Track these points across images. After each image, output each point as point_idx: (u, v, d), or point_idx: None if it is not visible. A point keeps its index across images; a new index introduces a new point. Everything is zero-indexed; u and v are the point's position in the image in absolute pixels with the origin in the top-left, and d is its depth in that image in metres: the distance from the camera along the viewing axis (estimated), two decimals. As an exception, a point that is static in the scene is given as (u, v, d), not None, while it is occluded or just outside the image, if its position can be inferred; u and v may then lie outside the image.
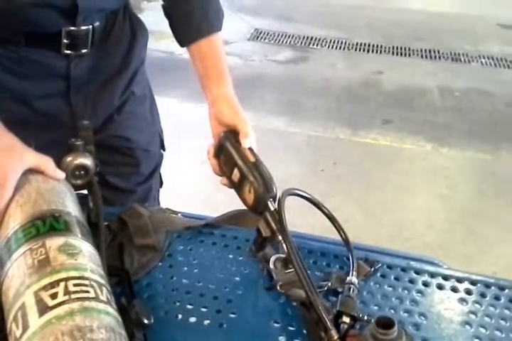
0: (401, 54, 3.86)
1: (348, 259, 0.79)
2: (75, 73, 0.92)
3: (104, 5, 0.89)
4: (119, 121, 1.02)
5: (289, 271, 0.72)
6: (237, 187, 0.78)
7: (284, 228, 0.70)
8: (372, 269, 0.80)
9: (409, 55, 3.86)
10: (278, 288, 0.73)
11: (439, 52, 3.88)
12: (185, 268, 0.79)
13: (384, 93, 3.30)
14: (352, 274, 0.75)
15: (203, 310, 0.71)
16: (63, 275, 0.53)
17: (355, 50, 3.87)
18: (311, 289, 0.65)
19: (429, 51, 3.89)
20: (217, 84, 0.91)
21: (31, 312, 0.49)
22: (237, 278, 0.77)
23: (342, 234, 0.80)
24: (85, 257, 0.57)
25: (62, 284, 0.51)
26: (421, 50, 3.90)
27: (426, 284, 0.79)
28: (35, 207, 0.62)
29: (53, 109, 0.93)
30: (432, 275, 0.81)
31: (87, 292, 0.52)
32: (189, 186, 2.19)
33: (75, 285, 0.52)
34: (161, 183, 1.19)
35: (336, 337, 0.62)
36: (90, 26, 0.88)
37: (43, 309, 0.49)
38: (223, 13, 0.98)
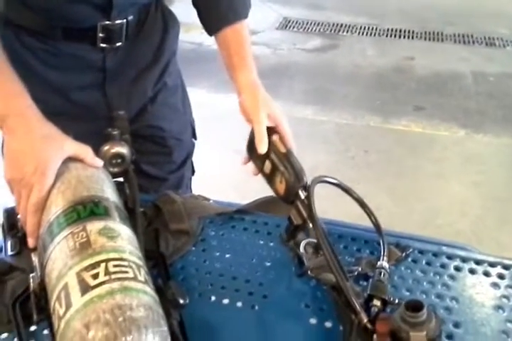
0: (433, 39, 3.78)
1: (379, 244, 0.79)
2: (110, 65, 0.95)
3: None
4: (152, 111, 1.05)
5: (320, 255, 0.74)
6: (269, 178, 0.81)
7: (313, 213, 0.71)
8: (404, 254, 0.80)
9: (442, 40, 3.77)
10: (309, 272, 0.75)
11: (472, 36, 3.79)
12: (218, 253, 0.81)
13: (416, 79, 3.24)
14: (383, 259, 0.76)
15: (235, 292, 0.73)
16: (104, 256, 0.55)
17: (386, 36, 3.82)
18: (341, 273, 0.66)
19: (463, 36, 3.80)
20: (240, 71, 0.92)
21: (74, 291, 0.52)
22: (268, 263, 0.79)
23: (372, 218, 0.81)
24: (124, 240, 0.60)
25: (102, 265, 0.54)
26: (454, 35, 3.81)
27: (458, 269, 0.79)
28: (76, 193, 0.65)
29: (90, 100, 0.96)
30: (464, 260, 0.81)
31: (126, 272, 0.54)
32: (220, 175, 2.22)
33: (115, 266, 0.55)
34: (193, 171, 1.21)
35: (365, 320, 0.63)
36: (124, 20, 0.90)
37: (85, 288, 0.52)
38: (250, 2, 1.00)
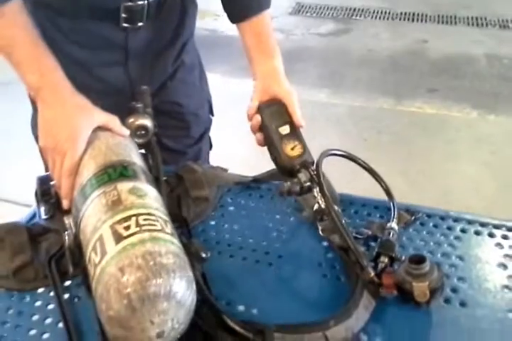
0: (447, 22, 3.77)
1: (389, 210, 0.83)
2: (132, 44, 1.00)
3: None
4: (171, 87, 1.10)
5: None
6: (279, 141, 0.84)
7: (321, 181, 0.76)
8: (413, 218, 0.84)
9: (455, 23, 3.76)
10: (320, 233, 0.79)
11: (486, 19, 3.76)
12: (236, 218, 0.86)
13: (429, 62, 3.24)
14: (392, 220, 0.80)
15: (253, 252, 0.79)
16: (134, 211, 0.61)
17: (399, 19, 3.81)
18: (346, 232, 0.70)
19: (476, 18, 3.78)
20: (269, 58, 0.97)
21: (108, 241, 0.58)
22: (283, 227, 0.84)
23: (383, 184, 0.85)
24: (151, 198, 0.65)
25: (133, 219, 0.59)
26: (467, 18, 3.78)
27: (463, 230, 0.83)
28: (106, 158, 0.70)
29: (113, 76, 1.02)
30: (470, 222, 0.85)
31: (155, 225, 0.60)
32: (235, 156, 2.27)
33: (144, 219, 0.60)
34: (211, 146, 1.27)
35: (372, 274, 0.68)
36: (145, 1, 0.94)
37: (118, 238, 0.57)
38: None
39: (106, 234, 0.59)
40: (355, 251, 0.69)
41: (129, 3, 0.92)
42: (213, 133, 1.27)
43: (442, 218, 0.86)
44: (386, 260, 0.72)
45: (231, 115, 2.51)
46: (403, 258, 0.72)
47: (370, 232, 0.80)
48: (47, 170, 1.02)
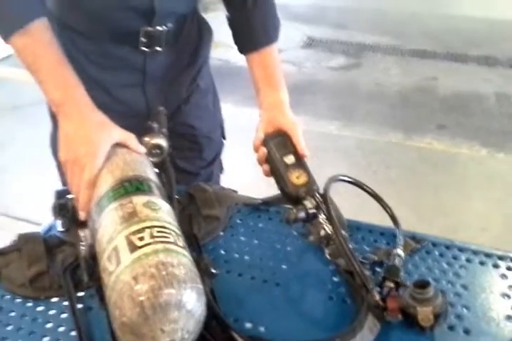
0: (456, 60, 3.84)
1: (395, 237, 0.85)
2: (150, 67, 1.04)
3: (177, 8, 1.01)
4: (186, 111, 1.14)
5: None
6: (284, 170, 0.87)
7: (329, 204, 0.78)
8: (419, 246, 0.86)
9: (466, 62, 3.83)
10: (328, 256, 0.81)
11: (496, 58, 3.83)
12: (245, 238, 0.88)
13: (439, 99, 3.30)
14: (398, 247, 0.81)
15: (261, 271, 0.80)
16: (148, 224, 0.63)
17: (410, 56, 3.89)
18: (352, 255, 0.72)
19: (487, 58, 3.85)
20: (275, 91, 1.02)
21: (123, 251, 0.60)
22: (291, 248, 0.86)
23: (388, 210, 0.87)
24: (164, 213, 0.68)
25: (147, 230, 0.62)
26: (477, 57, 3.86)
27: (468, 260, 0.84)
28: (123, 173, 0.73)
29: (131, 98, 1.06)
30: (475, 252, 0.86)
31: (168, 238, 0.62)
32: (244, 181, 2.29)
33: (158, 232, 0.62)
34: (222, 169, 1.30)
35: (377, 298, 0.69)
36: (164, 27, 1.00)
37: (133, 248, 0.59)
38: (280, 24, 1.10)
39: (121, 244, 0.61)
40: (361, 274, 0.71)
41: (149, 29, 0.98)
42: (224, 159, 1.30)
43: (447, 247, 0.87)
44: (391, 285, 0.73)
45: (242, 142, 2.56)
46: (408, 283, 0.72)
47: (376, 258, 0.81)
48: (64, 184, 1.06)
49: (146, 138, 0.88)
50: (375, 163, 2.62)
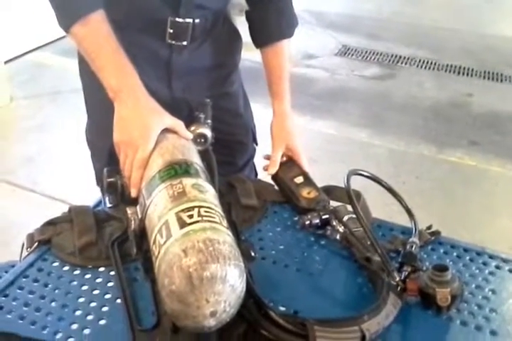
0: (492, 79, 3.80)
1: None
2: (176, 61, 1.06)
3: (203, 2, 1.02)
4: (216, 116, 1.07)
5: (356, 229, 0.83)
6: (296, 188, 0.97)
7: (353, 199, 0.80)
8: (433, 238, 0.89)
9: (501, 81, 3.79)
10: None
11: (532, 80, 3.79)
12: (279, 229, 0.91)
13: (472, 115, 3.27)
14: (414, 236, 0.85)
15: (294, 259, 0.84)
16: (196, 203, 0.67)
17: (445, 71, 3.87)
18: (374, 238, 0.76)
19: (522, 78, 3.81)
20: (276, 100, 1.13)
21: (173, 226, 0.63)
22: (323, 241, 0.89)
23: (404, 203, 0.90)
24: (211, 195, 0.72)
25: (196, 209, 0.65)
26: (513, 77, 3.82)
27: (498, 267, 0.86)
28: (173, 156, 0.77)
29: (157, 92, 1.00)
30: (504, 260, 0.88)
31: (214, 218, 0.65)
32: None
33: (205, 211, 0.66)
34: (256, 174, 1.30)
35: (397, 279, 0.73)
36: (191, 20, 1.01)
37: (182, 224, 0.63)
38: (297, 22, 1.15)
39: (171, 220, 0.64)
40: (383, 256, 0.74)
41: (176, 19, 1.00)
42: (256, 162, 1.29)
43: (478, 254, 0.90)
44: (409, 269, 0.76)
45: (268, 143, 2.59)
46: (424, 268, 0.77)
47: (393, 247, 0.85)
48: (96, 170, 1.11)
49: (192, 127, 0.92)
50: (404, 174, 2.62)
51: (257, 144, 1.29)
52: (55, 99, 3.04)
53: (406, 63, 3.94)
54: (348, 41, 4.22)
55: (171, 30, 1.01)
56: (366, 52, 4.07)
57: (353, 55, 4.02)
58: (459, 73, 3.85)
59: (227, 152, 1.20)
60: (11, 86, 3.00)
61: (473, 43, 4.35)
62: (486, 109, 3.34)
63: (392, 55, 4.03)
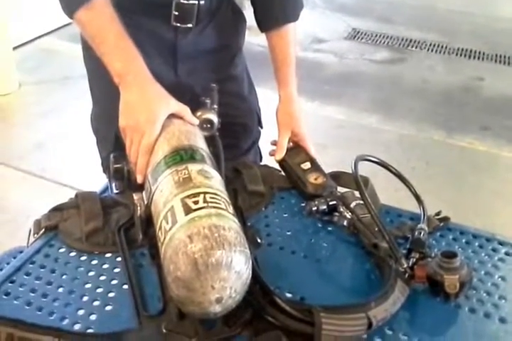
0: (504, 62, 3.74)
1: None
2: (181, 44, 1.04)
3: None
4: (220, 98, 1.06)
5: (364, 215, 0.82)
6: (303, 175, 0.96)
7: (360, 184, 0.79)
8: (442, 224, 0.88)
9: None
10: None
11: (544, 63, 3.72)
12: (286, 215, 0.90)
13: (484, 100, 3.22)
14: (422, 222, 0.84)
15: (302, 246, 0.83)
16: (202, 189, 0.66)
17: (456, 54, 3.81)
18: (382, 225, 0.75)
19: (534, 62, 3.74)
20: (282, 85, 1.10)
21: (179, 212, 0.63)
22: (330, 227, 0.88)
23: (412, 189, 0.88)
24: (217, 181, 0.71)
25: (201, 195, 0.65)
26: (526, 60, 3.75)
27: (508, 253, 0.85)
28: (179, 142, 0.77)
29: (163, 77, 0.98)
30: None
31: (220, 204, 0.65)
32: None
33: (211, 198, 0.65)
34: (261, 158, 1.29)
35: (405, 265, 0.72)
36: (196, 2, 0.99)
37: (188, 210, 0.63)
38: (302, 4, 1.12)
39: (177, 206, 0.64)
40: (391, 242, 0.74)
41: (181, 1, 0.98)
42: (262, 147, 1.28)
43: (488, 240, 0.88)
44: (417, 255, 0.76)
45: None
46: (433, 255, 0.75)
47: (400, 233, 0.84)
48: (103, 158, 1.10)
49: (199, 113, 0.91)
50: (414, 159, 2.60)
51: (262, 127, 1.28)
52: (63, 85, 3.03)
53: (416, 47, 3.88)
54: (357, 25, 4.16)
55: (176, 13, 1.00)
56: (376, 35, 4.01)
57: (362, 38, 3.97)
58: (470, 57, 3.79)
59: (232, 135, 1.18)
60: (19, 72, 3.00)
61: (485, 26, 4.27)
62: (498, 93, 3.29)
63: (402, 39, 3.97)
